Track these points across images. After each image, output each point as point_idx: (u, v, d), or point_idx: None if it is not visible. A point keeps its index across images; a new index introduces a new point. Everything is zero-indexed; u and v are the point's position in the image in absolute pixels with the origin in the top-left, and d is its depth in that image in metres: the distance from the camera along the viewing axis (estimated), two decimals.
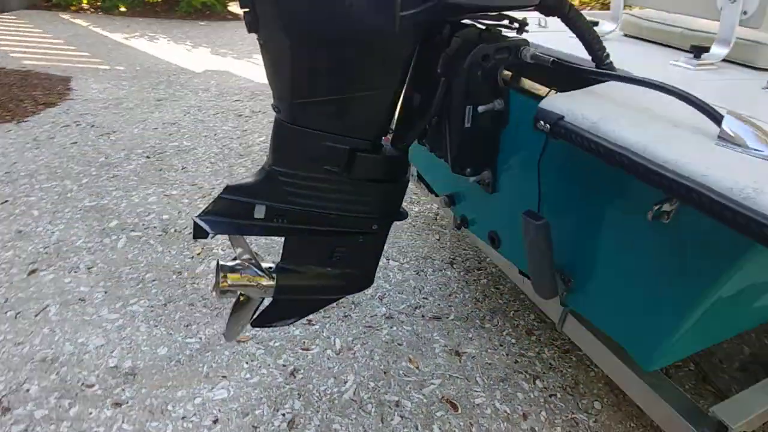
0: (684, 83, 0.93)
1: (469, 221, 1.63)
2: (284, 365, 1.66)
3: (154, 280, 2.00)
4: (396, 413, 1.53)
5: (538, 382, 1.69)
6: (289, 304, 1.27)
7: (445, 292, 2.09)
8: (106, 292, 1.92)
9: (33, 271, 2.00)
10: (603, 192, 1.06)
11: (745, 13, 1.31)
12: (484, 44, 1.09)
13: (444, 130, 1.19)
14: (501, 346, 1.83)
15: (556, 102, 0.95)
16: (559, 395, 1.64)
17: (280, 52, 0.97)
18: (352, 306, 1.94)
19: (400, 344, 1.79)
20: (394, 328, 1.86)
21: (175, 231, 2.33)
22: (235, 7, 8.15)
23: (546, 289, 1.17)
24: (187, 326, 1.79)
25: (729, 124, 0.79)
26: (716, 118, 0.80)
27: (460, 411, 1.55)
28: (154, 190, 2.67)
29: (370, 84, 1.02)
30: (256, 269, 1.18)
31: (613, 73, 0.97)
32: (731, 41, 1.34)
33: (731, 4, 1.31)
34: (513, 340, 1.86)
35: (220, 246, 2.24)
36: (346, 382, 1.62)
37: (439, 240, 2.44)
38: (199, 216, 1.08)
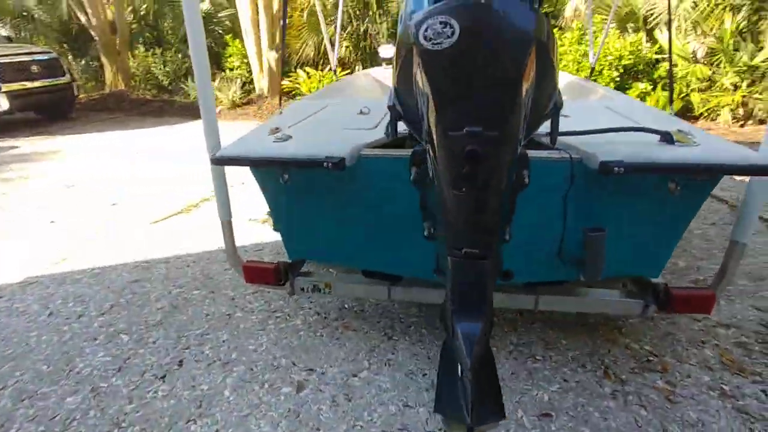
0: None
1: None
2: None
3: None
4: None
5: (536, 356, 2.01)
6: None
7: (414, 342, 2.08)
8: None
9: None
10: (631, 193, 1.49)
11: None
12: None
13: None
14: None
15: (612, 153, 1.36)
16: (550, 352, 2.03)
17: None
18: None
19: None
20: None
21: None
22: None
23: (598, 274, 1.52)
24: None
25: (676, 136, 1.41)
26: (668, 134, 1.40)
27: (536, 412, 1.70)
28: None
29: None
30: None
31: (602, 129, 1.47)
32: None
33: None
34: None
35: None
36: None
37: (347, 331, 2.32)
38: None
